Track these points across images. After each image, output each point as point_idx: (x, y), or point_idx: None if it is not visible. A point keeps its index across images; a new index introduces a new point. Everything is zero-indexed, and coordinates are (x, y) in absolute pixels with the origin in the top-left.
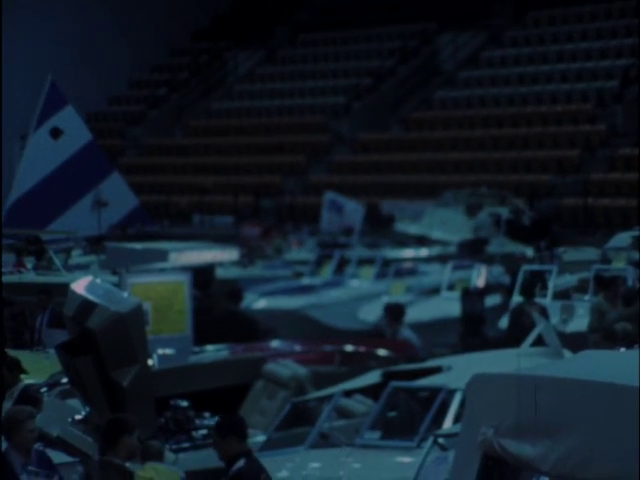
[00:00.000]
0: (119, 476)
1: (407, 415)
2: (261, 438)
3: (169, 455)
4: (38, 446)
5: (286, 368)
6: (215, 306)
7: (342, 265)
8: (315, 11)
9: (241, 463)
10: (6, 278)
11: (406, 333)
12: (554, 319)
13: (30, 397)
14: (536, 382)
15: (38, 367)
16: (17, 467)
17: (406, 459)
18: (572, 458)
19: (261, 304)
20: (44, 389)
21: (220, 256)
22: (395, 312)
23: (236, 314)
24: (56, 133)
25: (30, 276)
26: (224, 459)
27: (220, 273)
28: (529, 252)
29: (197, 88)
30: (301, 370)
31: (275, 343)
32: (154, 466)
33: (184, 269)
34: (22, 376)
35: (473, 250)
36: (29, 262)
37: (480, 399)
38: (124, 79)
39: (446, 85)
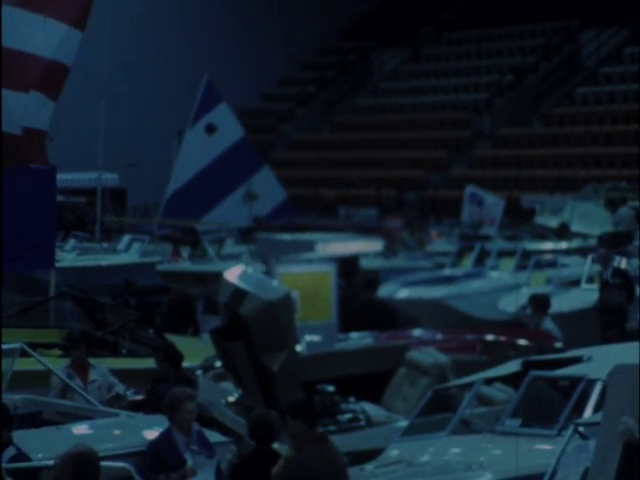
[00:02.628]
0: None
1: (547, 404)
2: (403, 423)
3: None
4: (195, 426)
5: (428, 356)
6: (358, 295)
7: (482, 257)
8: (459, 10)
9: None
10: (164, 266)
11: (549, 324)
12: None
13: (186, 379)
14: None
15: (193, 351)
16: (181, 446)
17: (546, 447)
18: None
19: (403, 294)
20: (199, 372)
21: (364, 247)
22: (541, 303)
23: (374, 302)
24: (211, 129)
25: (186, 265)
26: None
27: (364, 263)
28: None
29: (344, 86)
30: (443, 358)
31: (417, 332)
32: None
33: (330, 259)
34: None
35: (613, 243)
36: (185, 251)
37: (621, 389)
38: (275, 77)
39: (588, 81)
